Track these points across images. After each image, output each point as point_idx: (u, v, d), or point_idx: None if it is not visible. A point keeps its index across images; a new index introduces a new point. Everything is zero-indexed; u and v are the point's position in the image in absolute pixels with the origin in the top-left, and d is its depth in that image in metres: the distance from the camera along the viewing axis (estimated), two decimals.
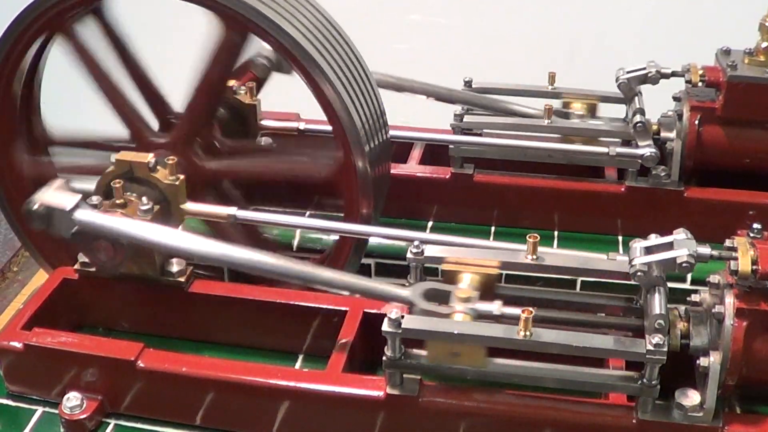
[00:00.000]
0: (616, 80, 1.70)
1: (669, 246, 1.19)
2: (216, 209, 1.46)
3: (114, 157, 1.43)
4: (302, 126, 1.75)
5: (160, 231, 1.35)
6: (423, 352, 1.22)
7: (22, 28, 1.44)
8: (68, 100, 1.71)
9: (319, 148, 1.52)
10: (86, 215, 1.33)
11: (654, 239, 1.21)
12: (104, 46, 1.48)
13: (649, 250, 1.20)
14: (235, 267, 1.36)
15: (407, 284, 1.29)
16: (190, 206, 1.44)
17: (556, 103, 1.77)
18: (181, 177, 1.42)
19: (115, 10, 1.47)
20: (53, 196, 1.33)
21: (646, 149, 1.66)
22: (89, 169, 1.53)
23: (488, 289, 1.25)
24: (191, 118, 1.52)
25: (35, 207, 1.30)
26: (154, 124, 1.56)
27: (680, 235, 1.20)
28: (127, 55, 1.52)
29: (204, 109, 1.52)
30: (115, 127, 1.54)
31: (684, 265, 1.16)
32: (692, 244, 1.18)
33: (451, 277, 1.26)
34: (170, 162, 1.42)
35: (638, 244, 1.21)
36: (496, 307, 1.21)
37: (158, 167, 1.42)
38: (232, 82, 1.69)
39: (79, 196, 1.33)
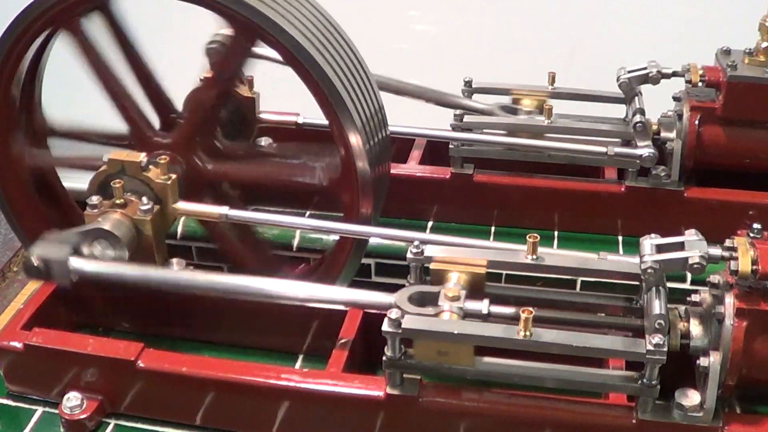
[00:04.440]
0: (617, 79, 1.70)
1: (680, 246, 1.19)
2: (208, 209, 1.45)
3: (106, 156, 1.43)
4: (300, 120, 1.76)
5: (154, 273, 1.36)
6: None
7: (28, 21, 1.43)
8: (68, 94, 1.70)
9: (321, 156, 1.52)
10: (81, 264, 1.35)
11: (657, 239, 1.21)
12: (109, 42, 1.48)
13: (659, 248, 1.20)
14: (227, 295, 1.37)
15: (407, 284, 1.29)
16: (182, 205, 1.44)
17: (558, 104, 1.77)
18: (173, 176, 1.42)
19: (122, 7, 1.47)
20: (48, 249, 1.35)
21: (644, 149, 1.66)
22: (86, 162, 1.53)
23: (477, 288, 1.25)
24: (193, 120, 1.52)
25: (34, 262, 1.34)
26: (155, 123, 1.56)
27: (692, 235, 1.20)
28: (132, 53, 1.51)
29: (208, 110, 1.52)
30: (116, 123, 1.53)
31: (695, 266, 1.16)
32: (704, 245, 1.18)
33: (439, 277, 1.26)
34: (162, 161, 1.42)
35: (649, 241, 1.21)
36: (484, 305, 1.21)
37: (150, 166, 1.42)
38: None
39: (70, 247, 1.36)
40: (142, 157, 1.41)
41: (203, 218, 1.48)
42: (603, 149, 1.68)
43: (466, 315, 1.20)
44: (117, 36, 1.49)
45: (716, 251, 1.18)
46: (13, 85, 1.50)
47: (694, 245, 1.18)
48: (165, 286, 1.35)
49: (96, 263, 1.36)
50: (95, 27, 1.46)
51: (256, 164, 1.58)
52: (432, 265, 1.27)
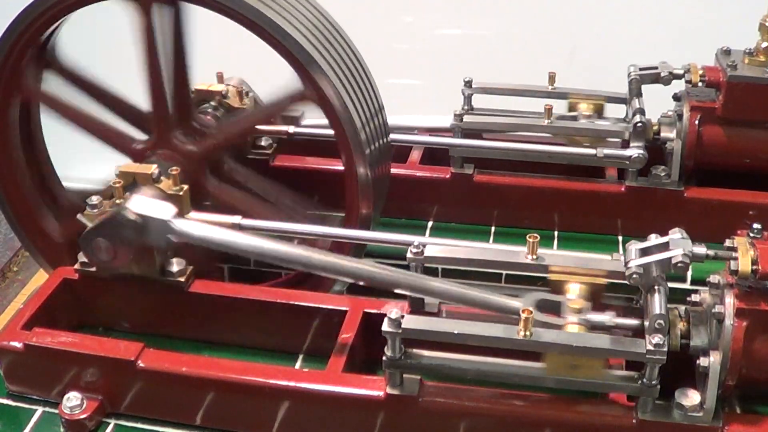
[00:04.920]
0: (628, 76, 1.69)
1: (665, 246, 1.19)
2: (221, 218, 1.45)
3: (117, 169, 1.43)
4: (292, 129, 1.76)
5: (246, 239, 1.35)
6: (423, 352, 1.22)
7: None
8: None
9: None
10: (186, 226, 1.32)
11: (653, 239, 1.21)
12: (166, 33, 1.47)
13: (644, 252, 1.20)
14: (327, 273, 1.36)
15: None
16: (195, 216, 1.44)
17: (557, 104, 1.77)
18: (185, 187, 1.42)
19: (190, 11, 1.47)
20: (149, 205, 1.32)
21: (633, 150, 1.66)
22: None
23: (597, 299, 1.25)
24: (221, 140, 1.56)
25: (131, 216, 1.29)
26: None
27: (676, 234, 1.20)
28: (181, 54, 1.50)
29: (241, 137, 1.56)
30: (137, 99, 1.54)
31: (679, 264, 1.16)
32: (687, 243, 1.18)
33: (557, 287, 1.26)
34: (174, 172, 1.42)
35: (633, 246, 1.21)
36: (608, 318, 1.21)
37: (162, 178, 1.42)
38: (222, 87, 1.70)
39: (174, 208, 1.33)
40: (153, 168, 1.42)
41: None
42: (591, 151, 1.68)
43: (593, 327, 1.20)
44: (175, 33, 1.48)
45: (701, 249, 1.17)
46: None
47: (677, 244, 1.18)
48: (264, 257, 1.33)
49: (202, 226, 1.32)
50: (162, 15, 1.46)
51: (253, 206, 1.56)
52: (551, 276, 1.26)
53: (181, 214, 1.37)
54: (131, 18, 1.45)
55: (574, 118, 1.74)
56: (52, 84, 1.55)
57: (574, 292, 1.25)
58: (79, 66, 1.55)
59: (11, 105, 1.53)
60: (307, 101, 1.44)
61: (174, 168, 1.43)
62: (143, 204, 1.35)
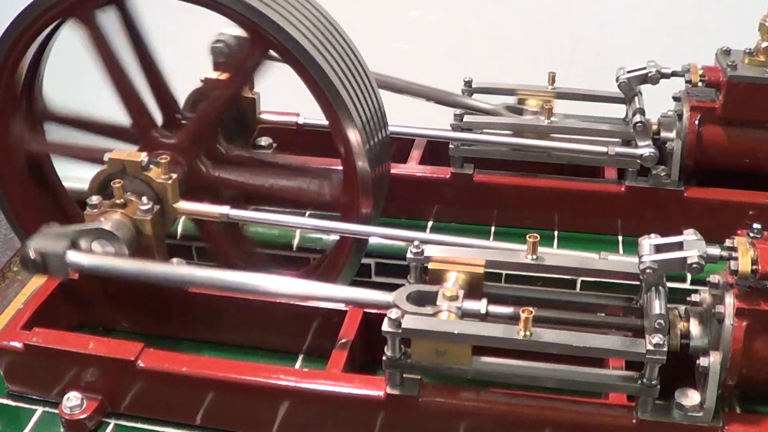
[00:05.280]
0: (617, 80, 1.70)
1: (678, 246, 1.19)
2: (208, 208, 1.45)
3: (107, 156, 1.43)
4: (301, 120, 1.76)
5: (151, 267, 1.36)
6: None
7: (43, 8, 1.43)
8: (71, 83, 1.70)
9: (324, 175, 1.54)
10: (79, 258, 1.35)
11: (656, 238, 1.21)
12: (121, 37, 1.48)
13: (658, 248, 1.20)
14: (224, 290, 1.39)
15: (407, 284, 1.29)
16: (183, 205, 1.44)
17: (557, 104, 1.77)
18: (174, 176, 1.42)
19: (137, 4, 1.47)
20: (46, 242, 1.35)
21: (645, 149, 1.66)
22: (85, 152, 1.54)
23: (476, 288, 1.25)
24: (200, 122, 1.53)
25: (31, 255, 1.33)
26: (159, 121, 1.56)
27: (690, 235, 1.20)
28: (142, 50, 1.51)
29: (216, 114, 1.53)
30: (118, 116, 1.54)
31: (694, 266, 1.16)
32: (702, 244, 1.18)
33: (438, 277, 1.26)
34: (163, 161, 1.42)
35: (648, 241, 1.21)
36: (482, 305, 1.21)
37: (151, 166, 1.42)
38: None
39: (68, 241, 1.35)
40: (143, 156, 1.42)
41: (204, 218, 1.48)
42: (603, 149, 1.68)
43: (465, 315, 1.20)
44: (129, 31, 1.48)
45: (715, 251, 1.18)
46: (18, 72, 1.50)
47: (692, 245, 1.18)
48: (162, 281, 1.35)
49: (93, 257, 1.36)
50: (109, 20, 1.46)
51: (257, 173, 1.57)
52: (430, 265, 1.27)
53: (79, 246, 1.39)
54: (81, 35, 1.45)
55: (520, 111, 1.76)
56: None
57: (452, 280, 1.25)
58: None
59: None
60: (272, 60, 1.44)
61: (163, 156, 1.43)
62: (41, 241, 1.35)
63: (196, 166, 1.52)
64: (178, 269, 1.37)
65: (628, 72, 1.70)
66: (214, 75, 1.66)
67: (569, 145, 1.71)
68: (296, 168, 1.57)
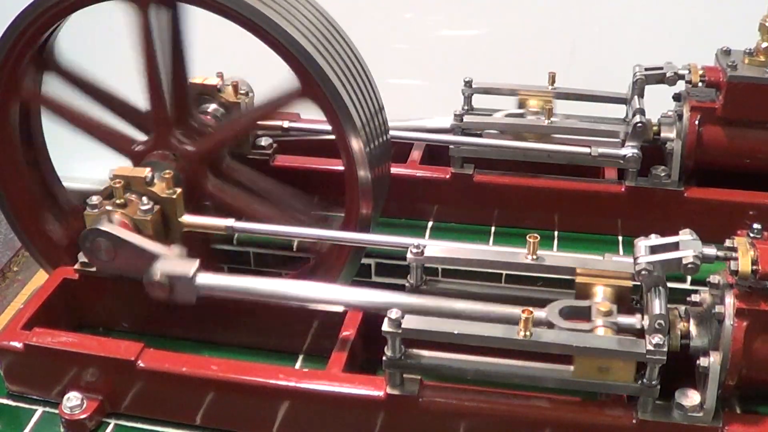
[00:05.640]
0: (633, 76, 1.69)
1: (674, 246, 1.19)
2: (213, 221, 1.45)
3: (111, 172, 1.43)
4: (286, 124, 1.76)
5: (270, 284, 1.36)
6: (423, 352, 1.22)
7: None
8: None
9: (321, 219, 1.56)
10: (208, 279, 1.34)
11: (655, 239, 1.21)
12: (165, 35, 1.46)
13: (654, 249, 1.20)
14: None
15: (407, 284, 1.28)
16: (188, 219, 1.44)
17: (557, 104, 1.77)
18: (179, 190, 1.42)
19: (187, 13, 1.47)
20: (173, 265, 1.35)
21: (628, 150, 1.66)
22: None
23: (623, 301, 1.24)
24: (221, 138, 1.55)
25: (158, 278, 1.33)
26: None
27: (686, 235, 1.20)
28: (178, 53, 1.50)
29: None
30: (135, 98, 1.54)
31: (690, 266, 1.16)
32: (698, 244, 1.18)
33: (584, 291, 1.25)
34: (167, 176, 1.42)
35: (643, 243, 1.21)
36: (636, 320, 1.20)
37: (155, 181, 1.42)
38: (217, 81, 1.70)
39: (197, 262, 1.35)
40: (147, 172, 1.42)
41: (209, 231, 1.48)
42: (586, 149, 1.68)
43: (620, 330, 1.19)
44: (173, 33, 1.48)
45: (711, 251, 1.18)
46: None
47: (688, 245, 1.18)
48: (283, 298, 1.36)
49: (222, 277, 1.36)
50: (159, 15, 1.45)
51: (249, 199, 1.56)
52: (577, 279, 1.25)
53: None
54: (130, 18, 1.45)
55: (521, 116, 1.75)
56: (52, 85, 1.55)
57: (600, 295, 1.24)
58: (78, 66, 1.55)
59: (11, 106, 1.53)
60: (306, 100, 1.44)
61: (167, 171, 1.43)
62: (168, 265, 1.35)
63: (200, 178, 1.52)
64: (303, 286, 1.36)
65: (646, 69, 1.69)
66: (200, 80, 1.68)
67: (552, 146, 1.70)
68: (298, 209, 1.58)
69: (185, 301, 1.34)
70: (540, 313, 1.20)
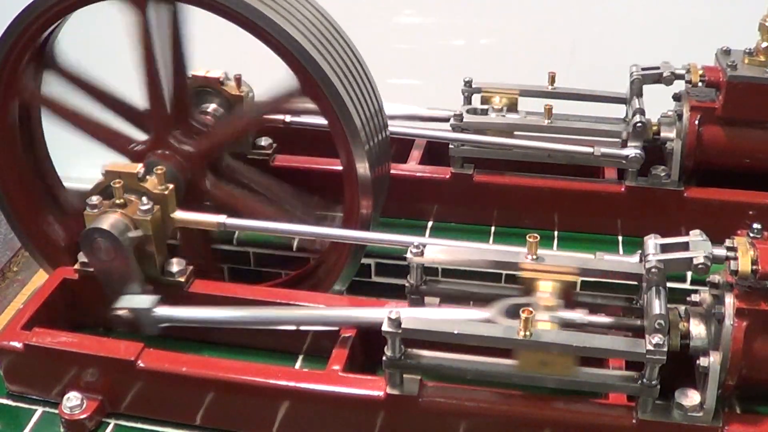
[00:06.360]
0: (630, 76, 1.69)
1: (684, 246, 1.19)
2: (205, 217, 1.45)
3: (103, 168, 1.43)
4: (288, 119, 1.76)
5: (236, 313, 1.38)
6: (423, 352, 1.22)
7: None
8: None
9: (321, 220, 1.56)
10: (168, 312, 1.37)
11: (658, 238, 1.21)
12: (164, 33, 1.46)
13: (664, 248, 1.20)
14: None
15: (407, 284, 1.28)
16: (180, 215, 1.44)
17: (557, 104, 1.77)
18: (171, 186, 1.42)
19: (187, 8, 1.47)
20: (133, 301, 1.38)
21: (631, 150, 1.66)
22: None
23: (567, 297, 1.24)
24: (220, 137, 1.56)
25: (122, 314, 1.37)
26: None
27: (696, 236, 1.20)
28: (178, 51, 1.50)
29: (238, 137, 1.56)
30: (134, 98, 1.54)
31: (700, 266, 1.16)
32: (708, 245, 1.18)
33: (529, 286, 1.25)
34: (159, 172, 1.42)
35: (653, 241, 1.21)
36: (580, 315, 1.20)
37: (147, 177, 1.42)
38: (219, 74, 1.69)
39: (157, 297, 1.38)
40: (139, 168, 1.42)
41: (201, 227, 1.48)
42: (589, 149, 1.68)
43: (564, 324, 1.19)
44: (173, 31, 1.48)
45: (721, 251, 1.18)
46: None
47: (698, 245, 1.18)
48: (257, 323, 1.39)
49: (182, 309, 1.37)
50: (159, 13, 1.45)
51: (249, 199, 1.57)
52: (522, 273, 1.25)
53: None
54: (128, 17, 1.45)
55: (485, 112, 1.75)
56: (52, 85, 1.55)
57: (545, 290, 1.24)
58: (78, 66, 1.55)
59: (11, 105, 1.53)
60: (306, 100, 1.44)
61: (159, 167, 1.43)
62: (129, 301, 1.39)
63: (200, 178, 1.52)
64: (265, 312, 1.39)
65: (643, 69, 1.70)
66: (202, 72, 1.67)
67: (555, 146, 1.70)
68: (297, 208, 1.58)
69: (150, 332, 1.37)
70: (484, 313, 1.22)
